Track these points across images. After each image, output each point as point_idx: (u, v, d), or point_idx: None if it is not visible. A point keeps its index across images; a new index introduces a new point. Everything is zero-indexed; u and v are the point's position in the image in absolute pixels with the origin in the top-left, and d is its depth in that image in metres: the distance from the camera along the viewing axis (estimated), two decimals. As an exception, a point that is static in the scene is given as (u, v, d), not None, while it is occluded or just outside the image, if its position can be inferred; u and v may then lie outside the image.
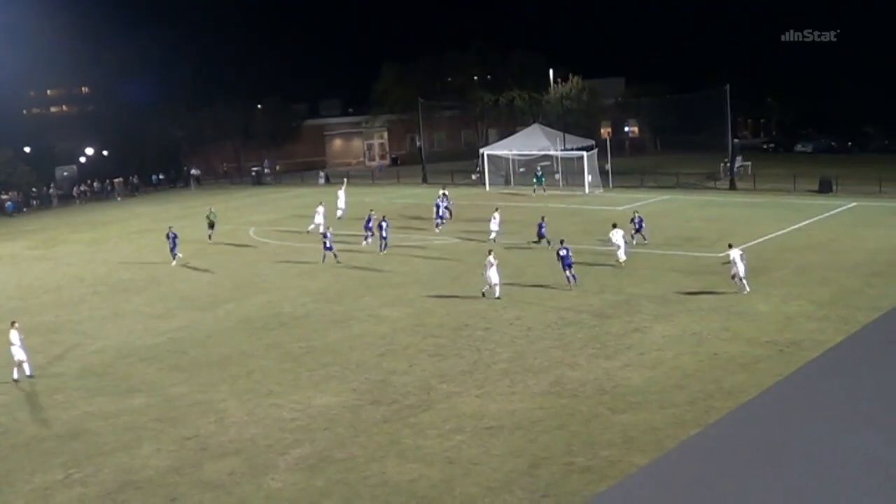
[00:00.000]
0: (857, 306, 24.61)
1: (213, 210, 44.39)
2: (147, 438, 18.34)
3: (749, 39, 76.43)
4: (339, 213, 46.83)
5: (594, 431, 17.12)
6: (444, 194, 45.40)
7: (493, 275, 27.77)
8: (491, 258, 28.12)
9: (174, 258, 37.61)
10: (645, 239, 35.75)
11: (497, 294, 27.88)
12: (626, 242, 32.50)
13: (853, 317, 23.19)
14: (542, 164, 60.19)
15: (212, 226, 43.12)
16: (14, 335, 22.94)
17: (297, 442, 17.59)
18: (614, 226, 32.62)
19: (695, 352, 21.69)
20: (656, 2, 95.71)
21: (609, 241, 32.52)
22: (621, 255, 31.68)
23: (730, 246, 28.30)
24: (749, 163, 59.03)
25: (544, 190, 53.84)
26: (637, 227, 35.67)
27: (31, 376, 23.02)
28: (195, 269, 37.16)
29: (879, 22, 68.37)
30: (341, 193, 48.40)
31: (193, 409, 19.93)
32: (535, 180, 54.63)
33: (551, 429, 17.38)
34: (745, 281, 26.94)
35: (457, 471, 15.79)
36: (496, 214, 39.09)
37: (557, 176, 58.27)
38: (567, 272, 29.05)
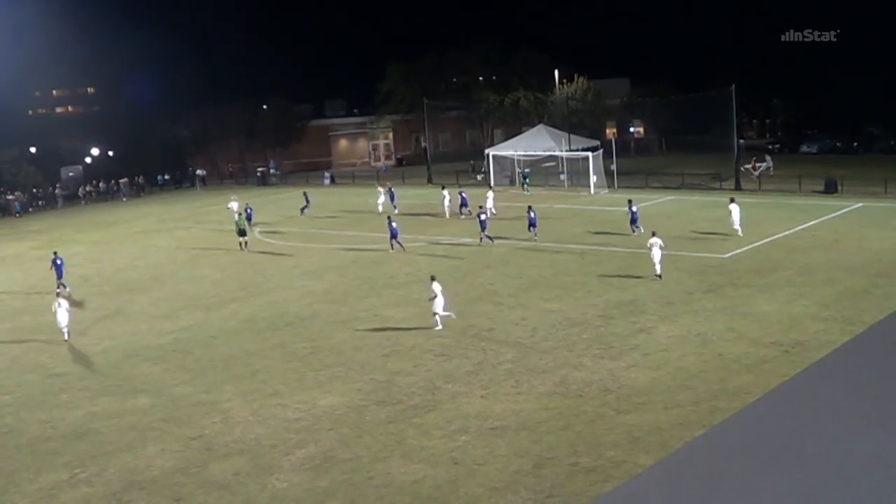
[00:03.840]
0: (863, 307, 24.56)
1: (240, 215, 43.45)
2: (152, 438, 18.37)
3: (752, 40, 76.33)
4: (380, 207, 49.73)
5: (599, 432, 17.10)
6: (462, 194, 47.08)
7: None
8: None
9: (59, 287, 32.86)
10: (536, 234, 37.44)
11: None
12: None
13: (858, 317, 23.16)
14: (547, 164, 60.35)
15: (242, 233, 40.53)
16: (62, 302, 26.93)
17: (301, 442, 17.60)
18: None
19: (700, 352, 21.65)
20: (660, 2, 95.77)
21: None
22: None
23: (653, 234, 30.00)
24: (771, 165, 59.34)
25: (526, 190, 54.69)
26: (531, 223, 37.64)
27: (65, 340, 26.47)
28: (198, 269, 37.23)
29: (879, 22, 68.17)
30: (380, 191, 51.25)
31: (198, 410, 19.96)
32: (524, 180, 56.11)
33: (556, 429, 17.36)
34: (659, 265, 29.04)
35: (461, 471, 15.78)
36: (444, 192, 46.46)
37: (563, 176, 58.30)
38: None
